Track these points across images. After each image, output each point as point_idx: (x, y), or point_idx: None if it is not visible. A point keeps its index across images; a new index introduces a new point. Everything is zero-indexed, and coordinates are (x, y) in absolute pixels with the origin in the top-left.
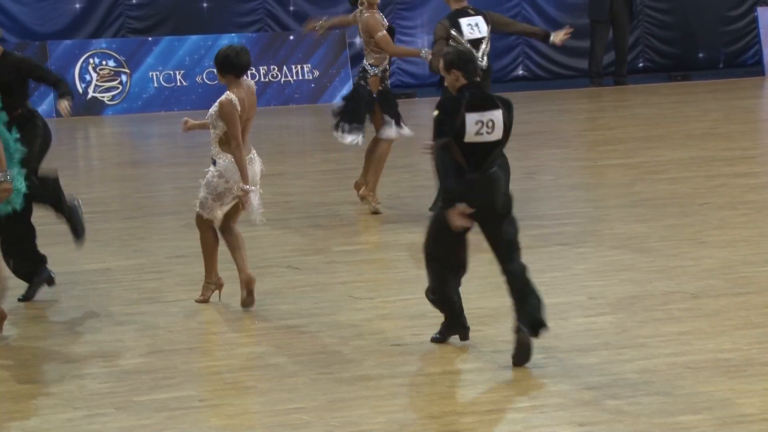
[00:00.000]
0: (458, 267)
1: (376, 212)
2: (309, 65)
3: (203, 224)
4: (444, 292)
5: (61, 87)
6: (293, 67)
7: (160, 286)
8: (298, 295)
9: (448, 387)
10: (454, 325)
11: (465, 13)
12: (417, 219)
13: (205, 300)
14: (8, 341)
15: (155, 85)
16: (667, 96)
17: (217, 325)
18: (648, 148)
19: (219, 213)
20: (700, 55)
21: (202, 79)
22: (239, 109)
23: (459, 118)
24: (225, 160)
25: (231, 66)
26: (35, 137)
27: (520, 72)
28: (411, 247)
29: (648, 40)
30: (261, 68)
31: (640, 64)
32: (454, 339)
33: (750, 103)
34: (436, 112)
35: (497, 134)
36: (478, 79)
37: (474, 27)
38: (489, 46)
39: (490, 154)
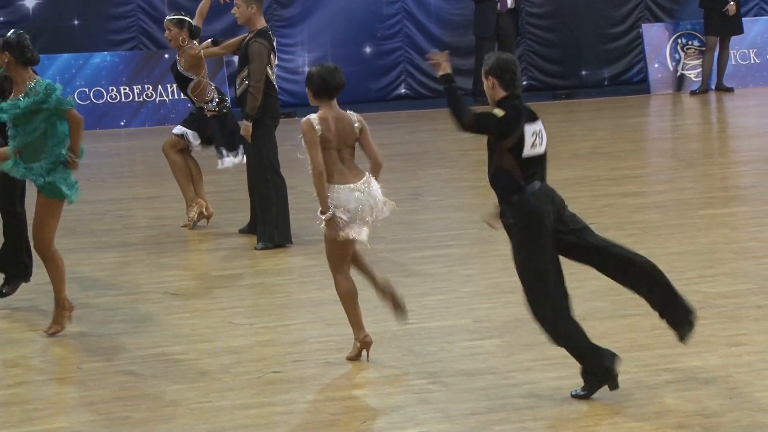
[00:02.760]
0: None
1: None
2: None
3: (334, 264)
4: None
5: None
6: (168, 86)
7: (31, 315)
8: (175, 321)
9: (331, 415)
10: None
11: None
12: (298, 243)
13: (353, 358)
14: None
15: None
16: (553, 114)
17: (89, 355)
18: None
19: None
20: (584, 72)
21: (74, 98)
22: (319, 130)
23: (517, 133)
24: (332, 191)
25: (318, 86)
26: None
27: (402, 90)
28: (291, 272)
29: (531, 57)
30: (135, 87)
31: (525, 83)
32: (337, 363)
33: (636, 121)
34: (499, 112)
35: (544, 146)
36: (519, 92)
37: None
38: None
39: (542, 167)
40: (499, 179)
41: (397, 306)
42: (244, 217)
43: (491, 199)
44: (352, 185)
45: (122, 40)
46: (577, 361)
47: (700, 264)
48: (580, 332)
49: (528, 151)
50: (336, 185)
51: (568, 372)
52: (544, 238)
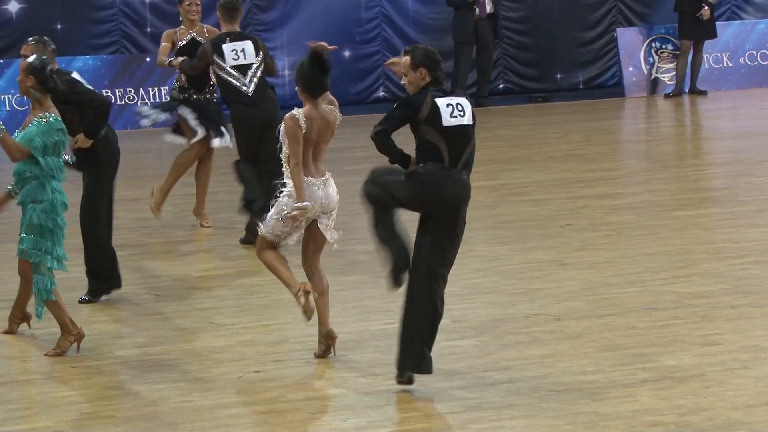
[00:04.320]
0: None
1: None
2: (166, 87)
3: (261, 246)
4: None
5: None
6: (150, 89)
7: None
8: (157, 321)
9: (311, 413)
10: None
11: (228, 38)
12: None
13: (309, 310)
14: None
15: (8, 108)
16: (528, 117)
17: (72, 354)
18: (509, 170)
19: (289, 238)
20: (559, 76)
21: None
22: (303, 127)
23: (427, 106)
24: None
25: (302, 83)
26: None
27: (381, 93)
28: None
29: (507, 61)
30: (117, 91)
31: (501, 86)
32: (317, 363)
33: (610, 124)
34: (396, 104)
35: (468, 117)
36: (443, 81)
37: (239, 53)
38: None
39: (467, 145)
40: (418, 152)
41: (309, 310)
42: (226, 217)
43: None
44: (312, 180)
45: (104, 44)
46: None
47: (674, 264)
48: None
49: (448, 120)
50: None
51: (545, 371)
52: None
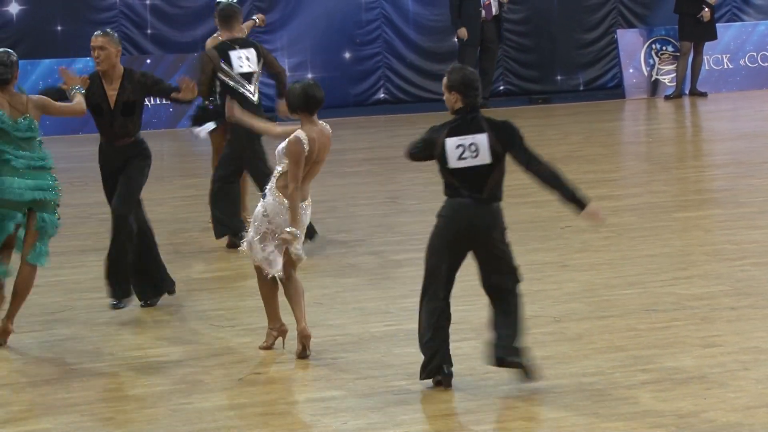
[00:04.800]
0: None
1: None
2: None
3: (258, 272)
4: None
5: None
6: None
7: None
8: (157, 323)
9: (311, 415)
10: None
11: (235, 45)
12: None
13: (268, 347)
14: None
15: None
16: (529, 119)
17: (72, 356)
18: (510, 171)
19: (276, 260)
20: (559, 78)
21: None
22: (307, 150)
23: (438, 144)
24: (275, 199)
25: (300, 102)
26: (142, 176)
27: (381, 95)
28: None
29: (508, 63)
30: None
31: (501, 87)
32: (318, 365)
33: (611, 125)
34: (416, 145)
35: (483, 158)
36: (479, 102)
37: (244, 60)
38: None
39: (488, 180)
40: (443, 183)
41: (302, 352)
42: None
43: None
44: (302, 203)
45: None
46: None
47: (675, 266)
48: (431, 323)
49: (455, 163)
50: (285, 200)
51: (546, 373)
52: (442, 245)
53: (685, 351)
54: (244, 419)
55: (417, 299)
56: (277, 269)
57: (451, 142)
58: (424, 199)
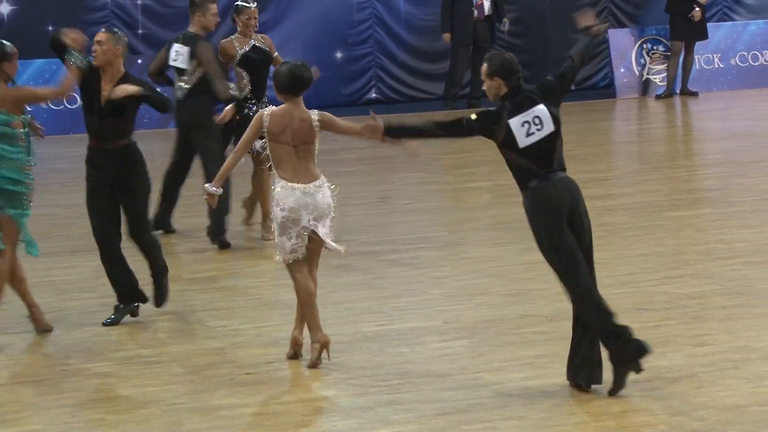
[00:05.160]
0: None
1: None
2: (158, 89)
3: (289, 271)
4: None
5: (166, 105)
6: None
7: (2, 316)
8: (149, 323)
9: (303, 415)
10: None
11: (180, 39)
12: (270, 245)
13: (312, 366)
14: None
15: None
16: None
17: (63, 357)
18: (503, 171)
19: (297, 250)
20: (551, 77)
21: (47, 103)
22: (266, 123)
23: (503, 129)
24: (279, 186)
25: (286, 82)
26: (144, 193)
27: (373, 95)
28: (264, 274)
29: None
30: None
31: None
32: (308, 367)
33: (603, 125)
34: (473, 115)
35: (549, 127)
36: (521, 83)
37: (178, 55)
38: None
39: (554, 149)
40: (513, 172)
41: (315, 361)
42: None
43: (462, 202)
44: (296, 185)
45: None
46: (601, 340)
47: (667, 265)
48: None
49: (524, 141)
50: (281, 180)
51: (537, 372)
52: (559, 221)
53: (677, 350)
54: (235, 419)
55: (408, 299)
56: (284, 257)
57: (515, 122)
58: (417, 198)
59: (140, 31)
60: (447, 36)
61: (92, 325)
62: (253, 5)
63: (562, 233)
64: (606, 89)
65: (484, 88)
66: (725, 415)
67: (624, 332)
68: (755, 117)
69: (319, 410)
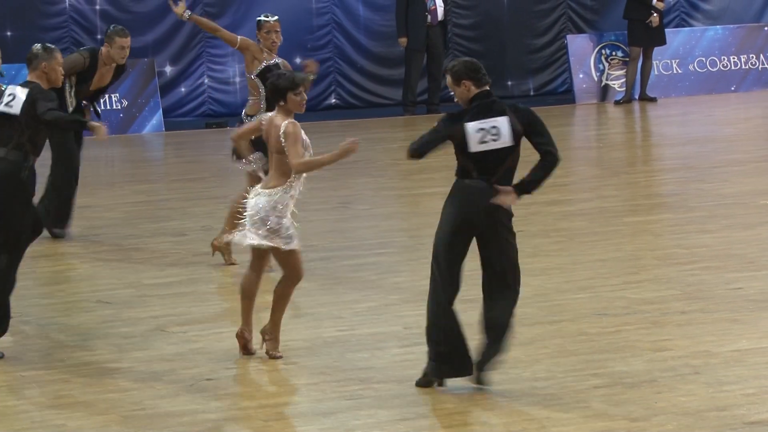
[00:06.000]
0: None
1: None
2: (117, 95)
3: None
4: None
5: None
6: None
7: None
8: (108, 329)
9: (263, 421)
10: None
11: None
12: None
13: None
14: None
15: None
16: None
17: (22, 363)
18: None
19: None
20: (510, 83)
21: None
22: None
23: (459, 129)
24: (268, 195)
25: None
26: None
27: (333, 100)
28: (224, 280)
29: None
30: None
31: (453, 92)
32: (270, 370)
33: (561, 131)
34: (435, 123)
35: (504, 140)
36: (488, 85)
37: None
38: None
39: (504, 163)
40: (456, 168)
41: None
42: (178, 225)
43: (421, 207)
44: (258, 189)
45: None
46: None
47: (625, 270)
48: (451, 323)
49: (476, 147)
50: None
51: (498, 378)
52: (454, 226)
53: (636, 355)
54: (196, 425)
55: (369, 304)
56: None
57: (471, 127)
58: (376, 204)
59: (99, 37)
60: (403, 40)
61: (51, 330)
62: (273, 18)
63: (449, 241)
64: (565, 95)
65: (456, 100)
66: (685, 420)
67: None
68: (714, 122)
69: (279, 416)
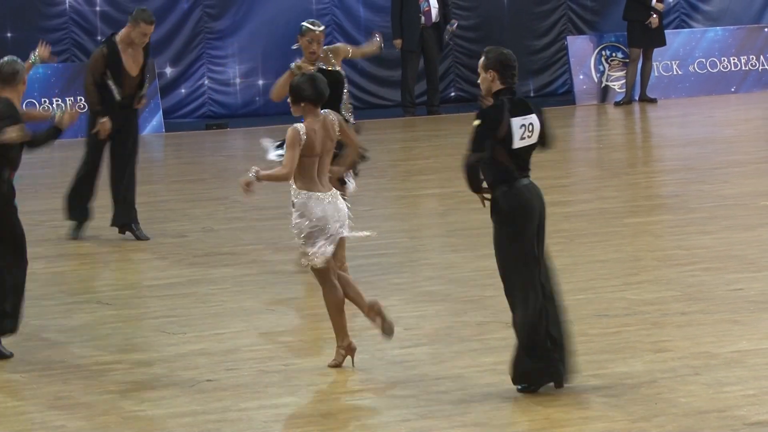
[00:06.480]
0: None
1: None
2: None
3: (320, 278)
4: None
5: None
6: None
7: None
8: (108, 330)
9: (263, 422)
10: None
11: None
12: (230, 252)
13: (337, 365)
14: None
15: None
16: None
17: (22, 364)
18: (461, 177)
19: (322, 252)
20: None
21: None
22: (303, 139)
23: (504, 125)
24: (300, 197)
25: (302, 94)
26: None
27: None
28: (224, 281)
29: (459, 69)
30: (68, 99)
31: (452, 94)
32: (269, 372)
33: (561, 132)
34: (476, 122)
35: (535, 138)
36: (515, 82)
37: None
38: None
39: (530, 158)
40: (490, 171)
41: (385, 324)
42: (178, 226)
43: (421, 208)
44: (320, 194)
45: (55, 52)
46: (525, 352)
47: (625, 271)
48: (542, 329)
49: (518, 144)
50: (306, 192)
51: (497, 379)
52: (529, 230)
53: (636, 356)
54: (196, 426)
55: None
56: (313, 260)
57: (516, 123)
58: (376, 205)
59: (99, 38)
60: (398, 42)
61: (51, 331)
62: (319, 29)
63: (527, 239)
64: (565, 96)
65: (478, 81)
66: (686, 422)
67: (546, 354)
68: (714, 123)
69: (279, 417)
